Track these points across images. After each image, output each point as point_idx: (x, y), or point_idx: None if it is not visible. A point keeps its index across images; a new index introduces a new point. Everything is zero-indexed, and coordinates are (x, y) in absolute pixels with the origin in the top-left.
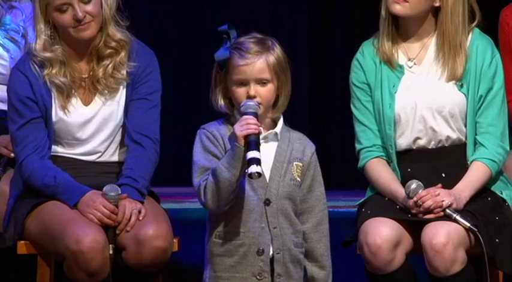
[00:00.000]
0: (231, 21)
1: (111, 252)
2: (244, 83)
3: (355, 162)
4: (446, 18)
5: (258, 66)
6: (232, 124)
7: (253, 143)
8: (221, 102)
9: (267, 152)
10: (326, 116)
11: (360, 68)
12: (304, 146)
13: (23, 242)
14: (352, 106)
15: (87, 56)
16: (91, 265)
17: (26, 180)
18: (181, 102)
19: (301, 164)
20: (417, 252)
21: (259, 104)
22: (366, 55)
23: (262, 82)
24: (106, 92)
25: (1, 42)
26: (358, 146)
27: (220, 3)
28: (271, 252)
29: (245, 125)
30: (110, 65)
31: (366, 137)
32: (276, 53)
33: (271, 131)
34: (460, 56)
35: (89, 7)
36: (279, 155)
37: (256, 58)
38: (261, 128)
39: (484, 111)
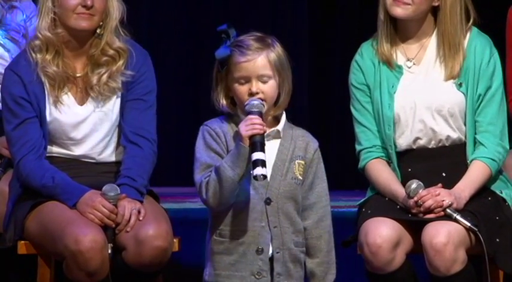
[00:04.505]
0: (231, 22)
1: (109, 251)
2: (246, 80)
3: (355, 162)
4: (445, 19)
5: (259, 63)
6: (235, 121)
7: (258, 143)
8: (223, 101)
9: (269, 150)
10: (326, 115)
11: (359, 69)
12: (306, 143)
13: (23, 242)
14: (351, 107)
15: (83, 59)
16: (90, 265)
17: (24, 181)
18: (182, 102)
19: (303, 162)
20: (417, 252)
21: (263, 101)
22: (365, 56)
23: (263, 79)
24: (99, 98)
25: (1, 42)
26: (358, 147)
27: (220, 4)
28: (270, 252)
29: (250, 125)
30: (106, 74)
31: (366, 137)
32: (277, 50)
33: (273, 128)
34: (458, 55)
35: (98, 2)
36: (281, 153)
37: (257, 54)
38: (265, 127)
39: (483, 110)
